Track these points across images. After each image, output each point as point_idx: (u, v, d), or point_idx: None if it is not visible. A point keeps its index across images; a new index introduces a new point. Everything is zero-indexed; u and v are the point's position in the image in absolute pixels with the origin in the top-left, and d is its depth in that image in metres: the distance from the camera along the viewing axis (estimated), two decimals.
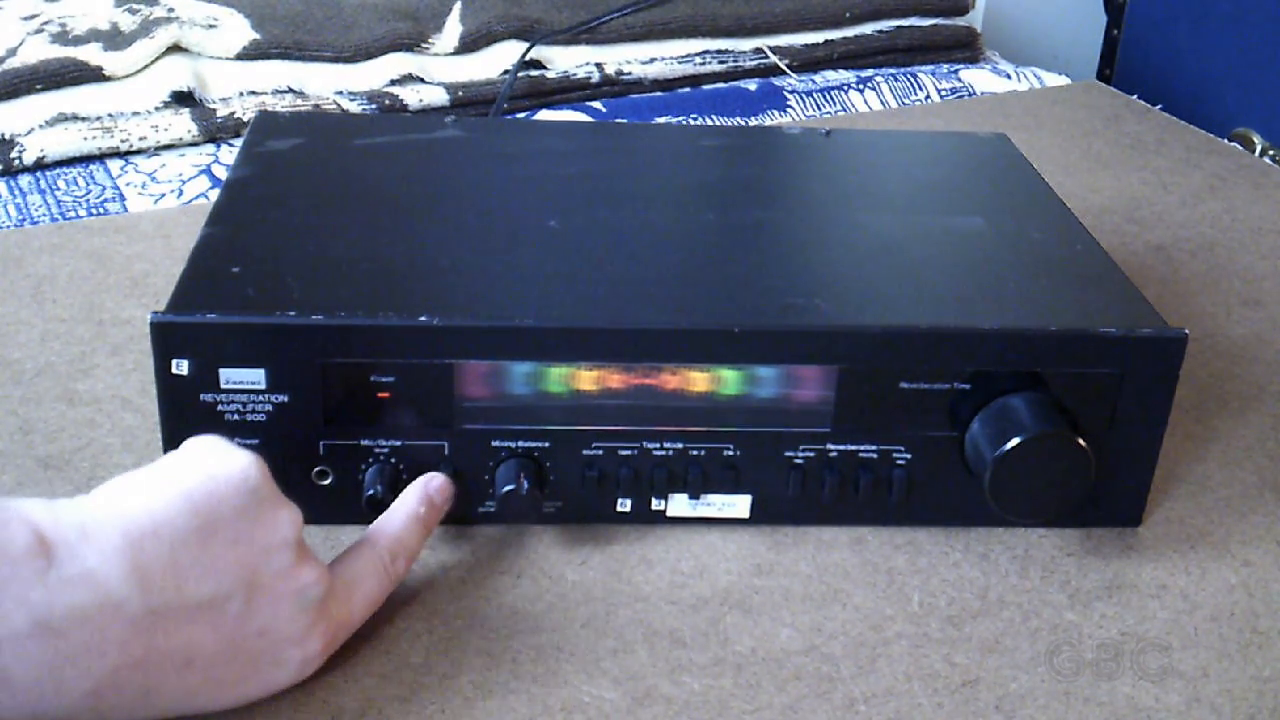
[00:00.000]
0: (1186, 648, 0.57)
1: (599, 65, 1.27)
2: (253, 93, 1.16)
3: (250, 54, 1.17)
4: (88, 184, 1.05)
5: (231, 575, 0.46)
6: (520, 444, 0.59)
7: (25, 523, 0.42)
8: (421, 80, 1.21)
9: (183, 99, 1.13)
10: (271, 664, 0.49)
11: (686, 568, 0.60)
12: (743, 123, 1.23)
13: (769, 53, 1.34)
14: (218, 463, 0.47)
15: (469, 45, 1.24)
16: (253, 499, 0.47)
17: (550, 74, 1.25)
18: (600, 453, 0.60)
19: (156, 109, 1.11)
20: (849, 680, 0.54)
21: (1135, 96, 1.23)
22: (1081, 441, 0.57)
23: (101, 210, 1.02)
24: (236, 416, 0.57)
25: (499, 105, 1.19)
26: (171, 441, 0.57)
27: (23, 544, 0.42)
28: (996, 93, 1.30)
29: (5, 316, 0.76)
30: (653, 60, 1.30)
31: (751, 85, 1.30)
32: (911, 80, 1.33)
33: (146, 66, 1.13)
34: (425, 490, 0.57)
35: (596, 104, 1.25)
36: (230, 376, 0.56)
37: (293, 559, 0.48)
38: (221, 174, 1.07)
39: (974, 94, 1.32)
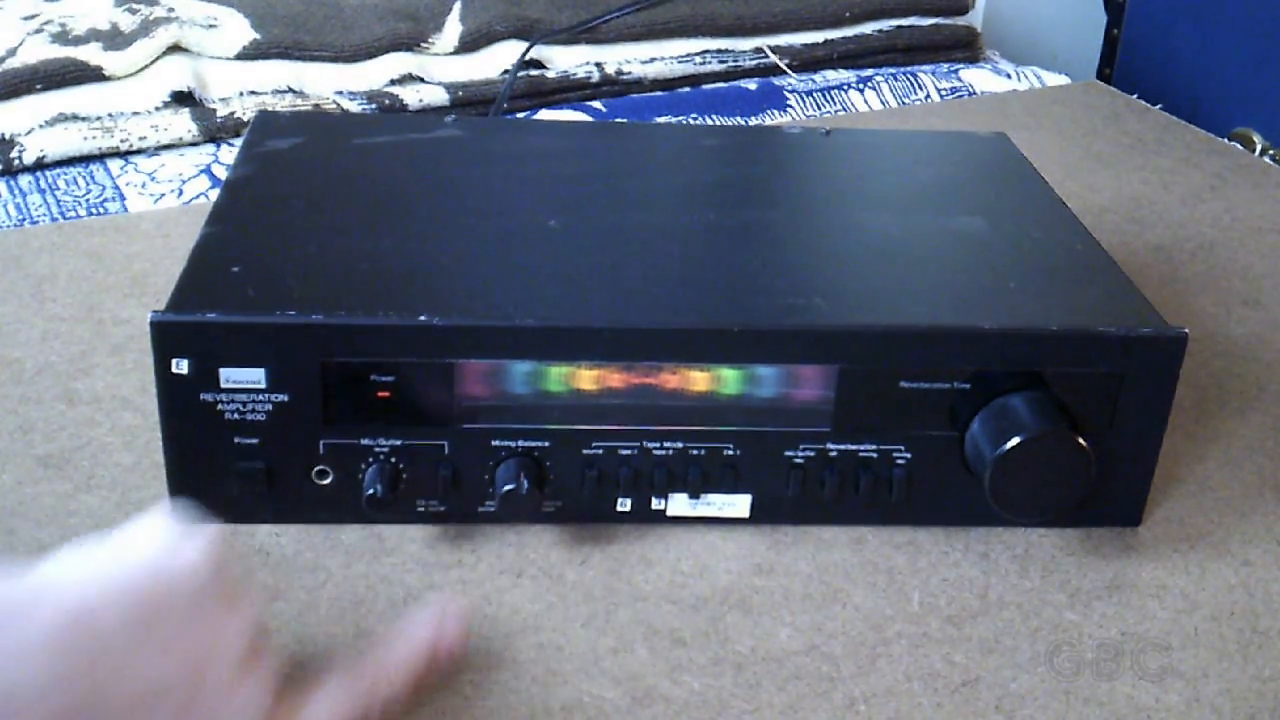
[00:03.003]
0: (1186, 648, 0.57)
1: (599, 65, 1.27)
2: (253, 92, 1.16)
3: (250, 54, 1.17)
4: (87, 184, 1.05)
5: (164, 681, 0.42)
6: (520, 443, 0.59)
7: None
8: (421, 80, 1.21)
9: (183, 99, 1.13)
10: None
11: (686, 567, 0.60)
12: (743, 123, 1.23)
13: (769, 52, 1.34)
14: (168, 555, 0.43)
15: (469, 45, 1.24)
16: (195, 603, 0.43)
17: (550, 74, 1.25)
18: (600, 452, 0.60)
19: (156, 109, 1.11)
20: (849, 680, 0.54)
21: (1135, 96, 1.23)
22: (1081, 441, 0.57)
23: (101, 210, 1.02)
24: (236, 416, 0.57)
25: (499, 105, 1.19)
26: (172, 441, 0.57)
27: None
28: (996, 92, 1.30)
29: (5, 316, 0.76)
30: (653, 60, 1.30)
31: (751, 85, 1.30)
32: (911, 80, 1.33)
33: (146, 66, 1.12)
34: (434, 650, 0.51)
35: (596, 104, 1.25)
36: (230, 376, 0.56)
37: (233, 674, 0.43)
38: (221, 174, 1.07)
39: (974, 94, 1.32)
